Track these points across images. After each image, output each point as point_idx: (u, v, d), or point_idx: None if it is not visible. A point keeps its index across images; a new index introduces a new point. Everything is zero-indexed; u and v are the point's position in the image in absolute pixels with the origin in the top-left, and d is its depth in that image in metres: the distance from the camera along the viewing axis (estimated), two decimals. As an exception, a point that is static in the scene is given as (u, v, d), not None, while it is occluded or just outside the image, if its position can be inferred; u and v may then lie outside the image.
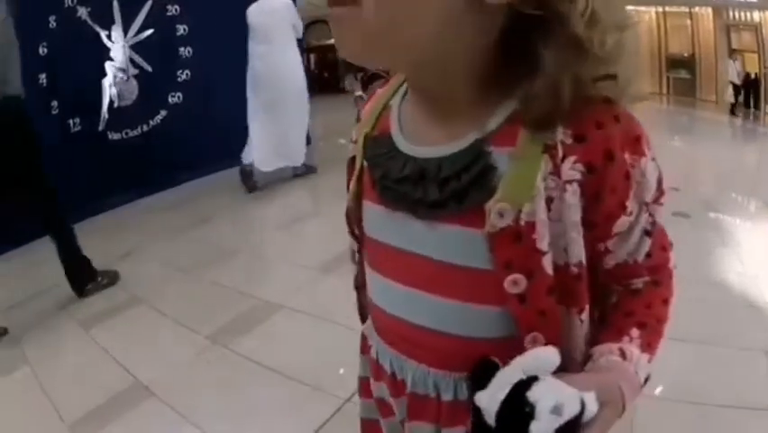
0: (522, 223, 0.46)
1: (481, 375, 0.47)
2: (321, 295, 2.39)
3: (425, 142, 0.51)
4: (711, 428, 1.55)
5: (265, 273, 2.81)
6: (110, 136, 3.66)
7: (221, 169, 4.24)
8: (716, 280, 2.45)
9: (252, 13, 3.73)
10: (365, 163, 0.57)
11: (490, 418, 0.45)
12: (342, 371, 1.76)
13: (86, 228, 2.86)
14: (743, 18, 11.37)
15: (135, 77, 3.81)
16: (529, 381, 0.43)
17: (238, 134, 3.87)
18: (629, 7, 0.48)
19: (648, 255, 0.52)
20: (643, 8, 13.12)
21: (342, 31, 0.45)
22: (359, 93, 4.76)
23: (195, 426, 1.60)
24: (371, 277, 0.61)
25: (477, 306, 0.51)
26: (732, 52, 10.07)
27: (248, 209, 3.77)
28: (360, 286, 0.70)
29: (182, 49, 4.15)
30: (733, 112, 10.04)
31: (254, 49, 3.76)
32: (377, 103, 0.60)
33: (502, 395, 0.44)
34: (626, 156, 0.47)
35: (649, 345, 0.51)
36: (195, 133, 4.00)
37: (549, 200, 0.46)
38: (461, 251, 0.50)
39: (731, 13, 11.39)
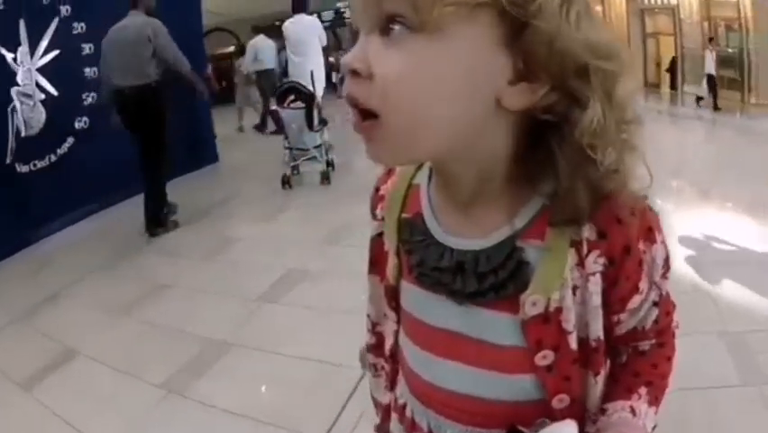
0: (551, 309, 0.52)
1: None
2: (267, 327, 2.37)
3: (459, 233, 0.56)
4: (668, 407, 1.68)
5: (203, 308, 2.65)
6: (18, 168, 3.35)
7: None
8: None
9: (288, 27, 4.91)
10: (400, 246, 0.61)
11: None
12: (311, 407, 1.78)
13: (3, 271, 2.65)
14: (659, 2, 12.00)
15: (42, 102, 3.53)
16: None
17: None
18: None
19: (655, 322, 0.60)
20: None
21: (370, 143, 0.48)
22: (274, 107, 4.79)
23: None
24: (408, 346, 0.64)
25: (511, 375, 0.56)
26: (710, 41, 9.80)
27: (171, 238, 3.61)
28: (371, 349, 0.74)
29: (87, 69, 3.90)
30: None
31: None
32: (401, 180, 0.63)
33: None
34: (641, 245, 0.53)
35: (656, 399, 0.60)
36: (105, 158, 3.76)
37: (574, 288, 0.52)
38: (499, 332, 0.55)
39: (646, -2, 11.90)
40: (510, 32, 0.44)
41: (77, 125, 3.85)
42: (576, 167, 0.47)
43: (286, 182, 4.57)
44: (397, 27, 0.44)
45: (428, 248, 0.57)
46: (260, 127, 7.68)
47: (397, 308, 0.64)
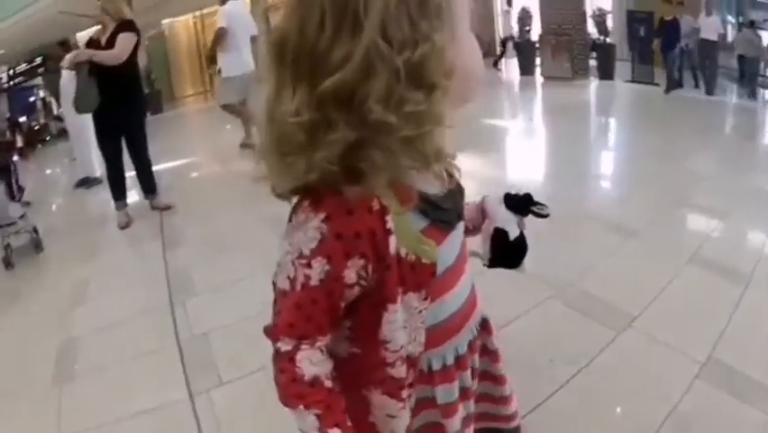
0: None
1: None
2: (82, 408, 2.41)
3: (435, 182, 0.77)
4: None
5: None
6: None
7: None
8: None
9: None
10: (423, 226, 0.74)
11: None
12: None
13: None
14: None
15: None
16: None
17: None
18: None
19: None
20: (180, 18, 13.42)
21: None
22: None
23: None
24: (443, 303, 0.82)
25: (466, 263, 0.87)
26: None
27: None
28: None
29: None
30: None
31: None
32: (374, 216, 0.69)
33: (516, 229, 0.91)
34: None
35: None
36: None
37: None
38: (462, 234, 0.85)
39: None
40: None
41: None
42: None
43: (7, 263, 4.35)
44: None
45: (445, 209, 0.77)
46: None
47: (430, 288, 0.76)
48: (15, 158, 4.96)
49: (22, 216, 4.50)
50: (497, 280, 2.58)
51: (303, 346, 0.71)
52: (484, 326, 0.94)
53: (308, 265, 0.68)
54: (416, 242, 0.72)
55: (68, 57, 4.33)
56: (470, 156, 4.86)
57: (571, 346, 2.09)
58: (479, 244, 0.95)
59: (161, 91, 13.09)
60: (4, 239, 4.43)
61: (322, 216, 0.67)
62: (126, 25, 4.21)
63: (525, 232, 0.96)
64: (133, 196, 4.97)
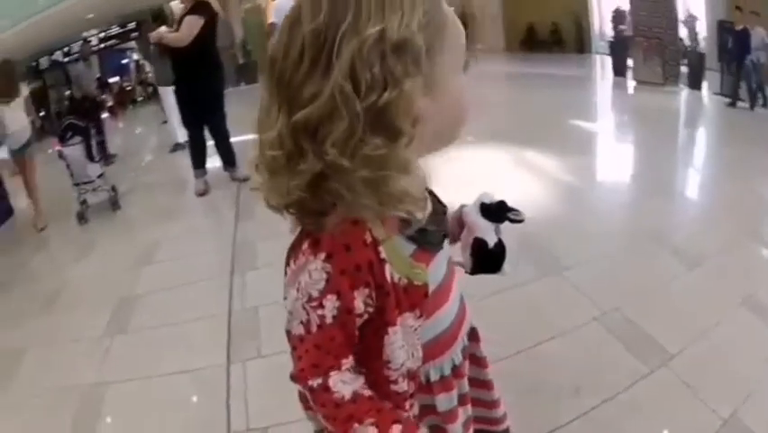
0: None
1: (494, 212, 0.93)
2: (120, 355, 2.66)
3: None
4: (503, 310, 2.36)
5: (68, 358, 2.76)
6: None
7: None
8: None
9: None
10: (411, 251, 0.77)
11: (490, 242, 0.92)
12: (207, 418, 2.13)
13: None
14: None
15: None
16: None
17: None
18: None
19: None
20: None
21: None
22: (57, 147, 4.80)
23: None
24: (438, 318, 0.85)
25: (454, 280, 0.91)
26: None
27: None
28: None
29: None
30: None
31: None
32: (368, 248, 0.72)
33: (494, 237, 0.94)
34: None
35: None
36: None
37: None
38: (447, 255, 0.88)
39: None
40: None
41: None
42: None
43: (81, 218, 4.75)
44: None
45: (430, 231, 0.80)
46: None
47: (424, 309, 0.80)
48: (105, 115, 5.38)
49: (100, 176, 4.85)
50: (546, 292, 2.61)
51: (332, 374, 0.73)
52: (472, 335, 0.98)
53: (320, 306, 0.70)
54: (407, 267, 0.75)
55: (150, 34, 4.64)
56: (550, 155, 4.76)
57: (601, 376, 2.04)
58: (459, 253, 0.98)
59: (257, 62, 13.38)
60: (81, 195, 4.80)
61: (323, 256, 0.69)
62: (197, 7, 4.40)
63: (503, 237, 0.98)
64: (215, 163, 5.14)
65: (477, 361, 1.00)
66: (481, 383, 1.01)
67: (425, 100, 0.65)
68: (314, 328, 0.71)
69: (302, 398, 0.84)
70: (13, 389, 2.62)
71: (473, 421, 0.99)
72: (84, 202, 4.83)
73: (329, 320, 0.71)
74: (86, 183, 4.77)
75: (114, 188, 5.02)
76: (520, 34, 10.21)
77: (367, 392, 0.75)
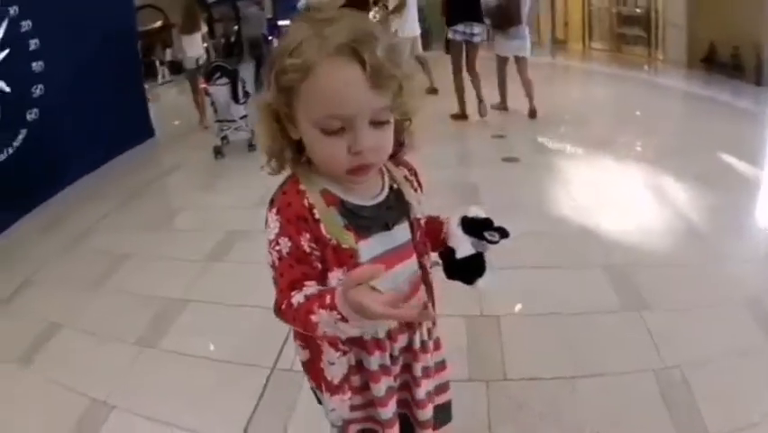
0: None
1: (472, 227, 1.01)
2: (216, 283, 2.95)
3: (367, 197, 0.98)
4: (568, 331, 2.34)
5: (162, 272, 3.15)
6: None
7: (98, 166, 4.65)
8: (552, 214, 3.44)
9: None
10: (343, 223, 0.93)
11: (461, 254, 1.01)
12: (260, 346, 2.30)
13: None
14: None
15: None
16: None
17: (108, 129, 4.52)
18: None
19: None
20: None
21: (369, 173, 0.93)
22: (203, 84, 5.17)
23: (165, 424, 1.94)
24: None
25: (409, 258, 1.02)
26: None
27: (119, 215, 4.08)
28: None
29: (34, 64, 4.25)
30: None
31: None
32: (312, 196, 0.93)
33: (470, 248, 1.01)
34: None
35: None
36: (59, 144, 4.26)
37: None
38: (402, 235, 1.01)
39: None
40: None
41: (28, 117, 4.19)
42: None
43: (218, 152, 5.02)
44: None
45: (363, 216, 0.96)
46: None
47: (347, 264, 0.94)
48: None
49: (243, 117, 5.06)
50: (617, 330, 2.41)
51: (293, 294, 0.90)
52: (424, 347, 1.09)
53: (277, 244, 0.92)
54: (337, 230, 0.94)
55: None
56: (694, 191, 4.03)
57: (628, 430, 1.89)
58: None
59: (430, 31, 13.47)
60: (222, 131, 5.05)
61: (274, 210, 0.94)
62: None
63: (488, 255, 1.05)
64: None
65: (410, 351, 1.08)
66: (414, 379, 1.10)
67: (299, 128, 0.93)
68: (277, 263, 0.93)
69: (295, 335, 1.08)
70: (102, 289, 2.94)
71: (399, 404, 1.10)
72: (225, 138, 5.07)
73: (284, 255, 0.92)
74: (228, 121, 5.00)
75: (254, 131, 5.19)
76: (702, 51, 9.09)
77: (316, 291, 0.89)
